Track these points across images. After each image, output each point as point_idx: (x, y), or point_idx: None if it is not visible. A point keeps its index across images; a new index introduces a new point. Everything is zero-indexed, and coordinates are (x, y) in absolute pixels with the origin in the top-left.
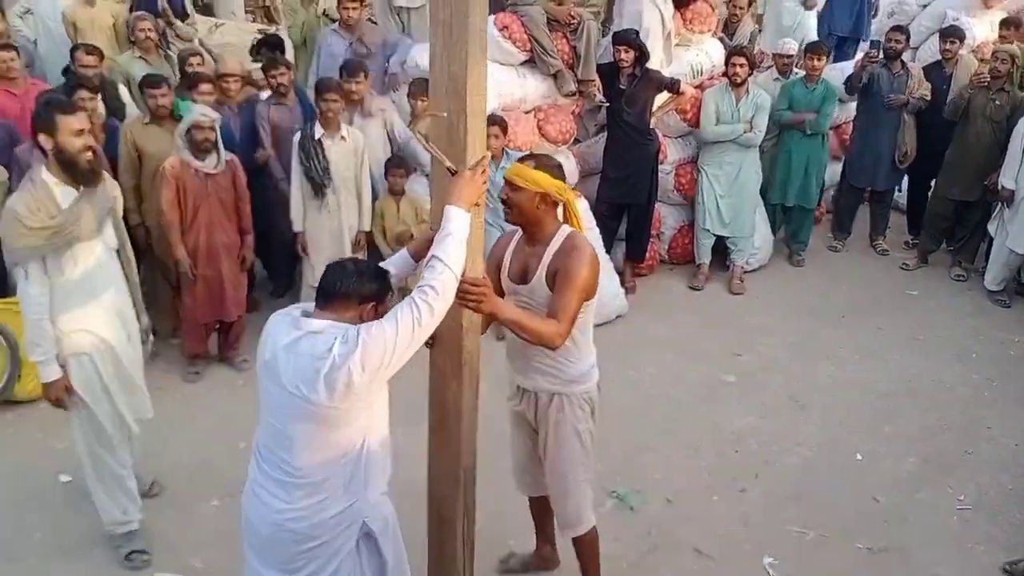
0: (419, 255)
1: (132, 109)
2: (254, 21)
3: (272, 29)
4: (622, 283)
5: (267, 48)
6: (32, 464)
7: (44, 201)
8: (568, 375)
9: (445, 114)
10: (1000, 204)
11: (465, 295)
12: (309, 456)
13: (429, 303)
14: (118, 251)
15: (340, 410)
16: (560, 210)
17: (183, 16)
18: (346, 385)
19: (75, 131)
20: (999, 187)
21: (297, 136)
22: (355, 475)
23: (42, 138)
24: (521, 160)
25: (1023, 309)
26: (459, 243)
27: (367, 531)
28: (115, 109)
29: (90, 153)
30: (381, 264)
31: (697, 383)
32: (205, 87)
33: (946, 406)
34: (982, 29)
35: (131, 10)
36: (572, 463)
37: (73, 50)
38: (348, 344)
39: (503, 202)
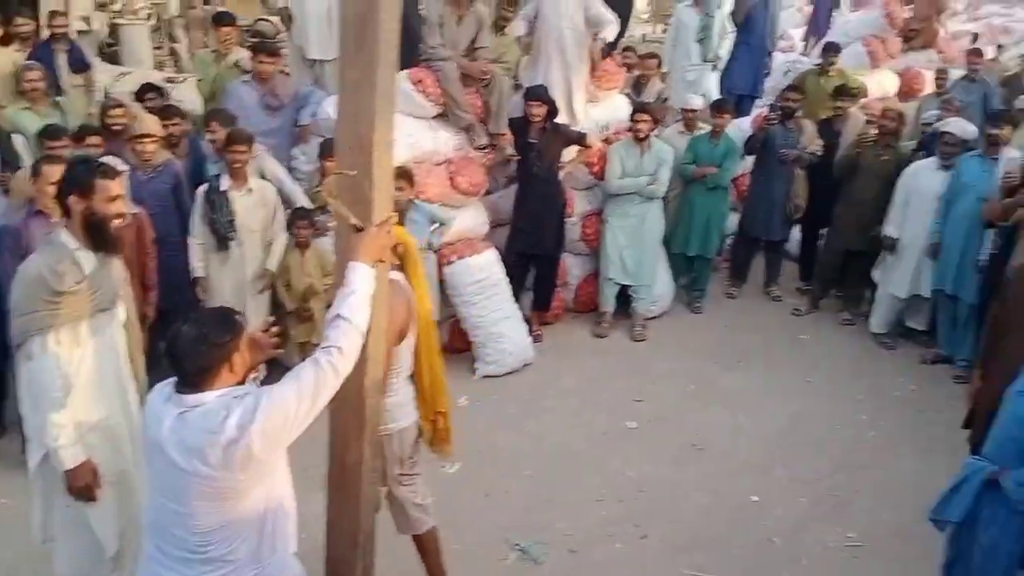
0: None
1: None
2: (162, 69)
3: (181, 79)
4: (529, 332)
5: (156, 94)
6: None
7: (68, 265)
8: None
9: (354, 173)
10: (884, 252)
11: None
12: (211, 531)
13: (334, 364)
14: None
15: (239, 481)
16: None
17: (84, 67)
18: (245, 457)
19: (112, 197)
20: (883, 237)
21: (203, 187)
22: (262, 542)
23: (73, 199)
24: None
25: (906, 352)
26: (363, 300)
27: None
28: (9, 160)
29: (120, 220)
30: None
31: (600, 430)
32: (92, 140)
33: (835, 447)
34: (871, 87)
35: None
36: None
37: None
38: (246, 414)
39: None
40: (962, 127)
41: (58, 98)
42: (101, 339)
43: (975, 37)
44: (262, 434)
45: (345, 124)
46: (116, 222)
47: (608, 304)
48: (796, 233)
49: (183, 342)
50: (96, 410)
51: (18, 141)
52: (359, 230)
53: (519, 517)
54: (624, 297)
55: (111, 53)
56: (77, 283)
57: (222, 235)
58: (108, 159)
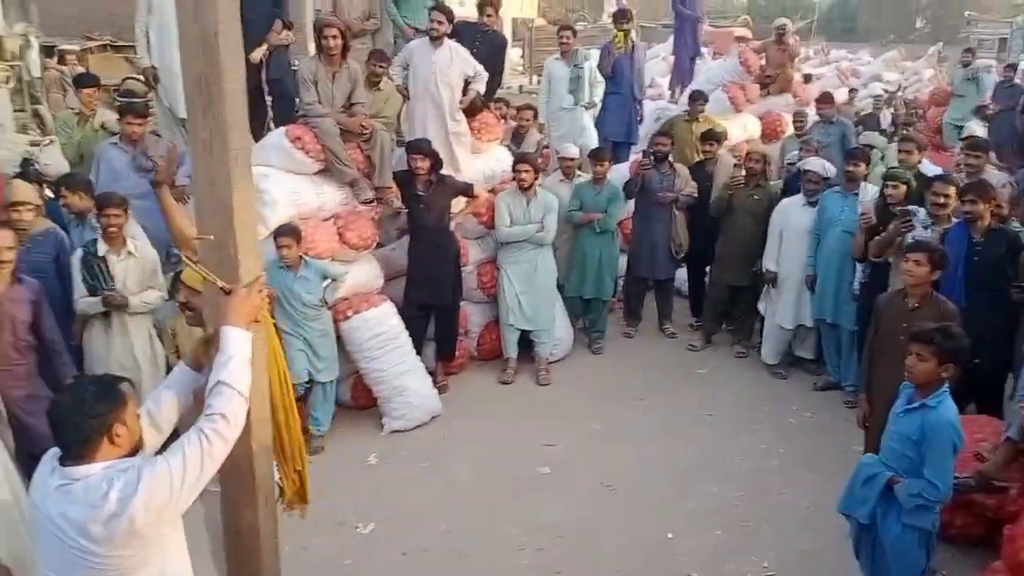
0: (197, 365)
1: None
2: (26, 132)
3: (46, 142)
4: (434, 383)
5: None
6: None
7: None
8: None
9: (212, 237)
10: (766, 285)
11: None
12: None
13: (219, 432)
14: None
15: (124, 557)
16: None
17: None
18: (127, 531)
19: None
20: (764, 271)
21: (79, 253)
22: None
23: None
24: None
25: (797, 380)
26: (242, 364)
27: None
28: None
29: None
30: (159, 389)
31: (512, 477)
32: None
33: (740, 477)
34: (735, 131)
35: None
36: None
37: None
38: (128, 487)
39: (182, 306)
40: (822, 165)
41: None
42: None
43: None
44: (144, 508)
45: (202, 187)
46: None
47: (511, 350)
48: (684, 272)
49: (61, 413)
50: None
51: None
52: (228, 292)
53: (435, 574)
54: (526, 342)
55: None
56: None
57: (115, 303)
58: None
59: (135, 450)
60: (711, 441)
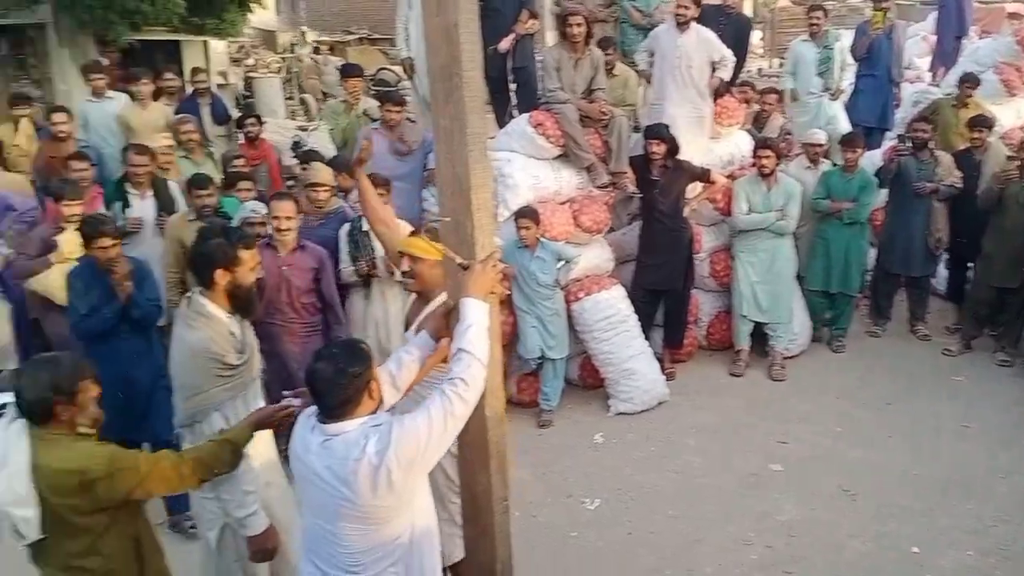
0: (437, 335)
1: (182, 204)
2: (294, 118)
3: (311, 127)
4: (662, 369)
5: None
6: None
7: (225, 336)
8: None
9: (448, 219)
10: None
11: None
12: (360, 552)
13: (460, 395)
14: None
15: (381, 507)
16: None
17: (225, 119)
18: (386, 482)
19: (253, 266)
20: None
21: (346, 228)
22: (411, 563)
23: (219, 273)
24: (413, 234)
25: None
26: (481, 332)
27: None
28: (166, 204)
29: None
30: (400, 352)
31: (744, 472)
32: (243, 184)
33: (999, 497)
34: (1008, 116)
35: (176, 113)
36: None
37: (125, 150)
38: (382, 441)
39: (405, 274)
40: None
41: (211, 148)
42: (256, 404)
43: None
44: (397, 461)
45: (443, 170)
46: (254, 288)
47: (743, 342)
48: (944, 268)
49: (322, 376)
50: (268, 468)
51: (174, 187)
52: (465, 268)
53: (666, 558)
54: (759, 335)
55: (247, 105)
56: (239, 352)
57: (363, 273)
58: (253, 204)
59: (378, 406)
60: (966, 455)
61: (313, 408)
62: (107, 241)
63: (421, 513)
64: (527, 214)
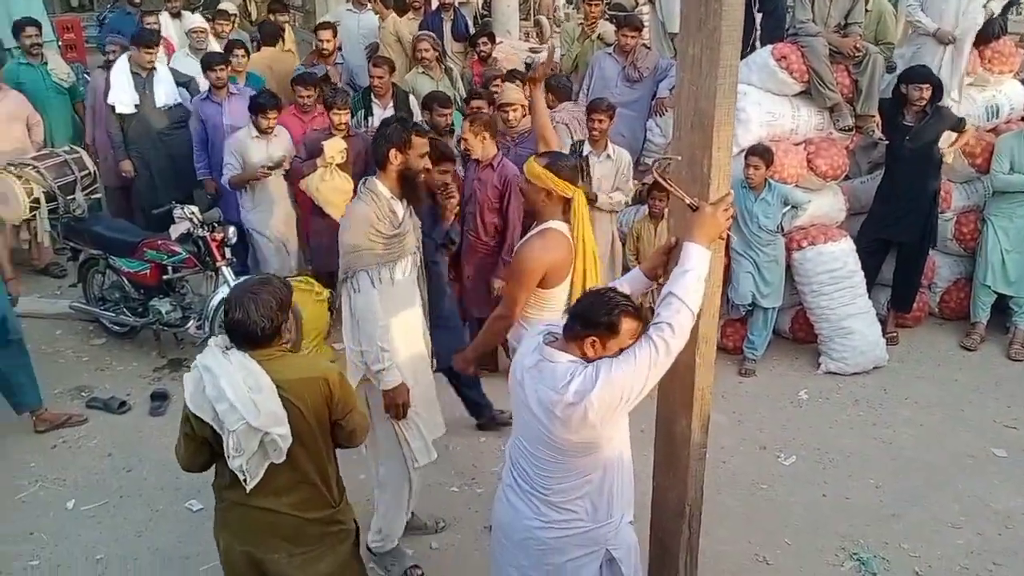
0: (653, 274)
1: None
2: (527, 39)
3: (542, 47)
4: (883, 332)
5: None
6: None
7: (387, 212)
8: None
9: (679, 157)
10: None
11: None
12: (551, 476)
13: (666, 341)
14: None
15: (575, 442)
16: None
17: (464, 36)
18: (581, 421)
19: (423, 153)
20: None
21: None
22: (598, 502)
23: (392, 153)
24: (537, 157)
25: None
26: (697, 280)
27: (610, 557)
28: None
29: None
30: (613, 283)
31: (960, 452)
32: (476, 103)
33: None
34: None
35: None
36: None
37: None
38: (587, 382)
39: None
40: None
41: (449, 64)
42: (402, 282)
43: None
44: (597, 402)
45: (685, 101)
46: (422, 176)
47: (981, 314)
48: None
49: (602, 296)
50: (404, 344)
51: (412, 101)
52: (695, 209)
53: (860, 526)
54: (1000, 308)
55: (484, 23)
56: (394, 227)
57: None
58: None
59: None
60: None
61: (545, 327)
62: (448, 166)
63: (616, 452)
64: (759, 152)
